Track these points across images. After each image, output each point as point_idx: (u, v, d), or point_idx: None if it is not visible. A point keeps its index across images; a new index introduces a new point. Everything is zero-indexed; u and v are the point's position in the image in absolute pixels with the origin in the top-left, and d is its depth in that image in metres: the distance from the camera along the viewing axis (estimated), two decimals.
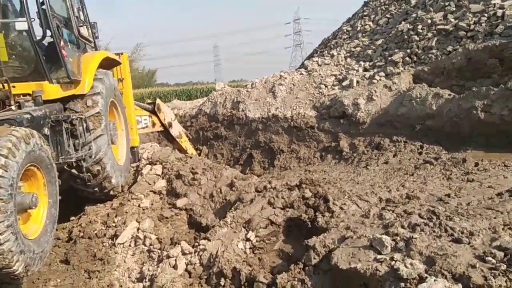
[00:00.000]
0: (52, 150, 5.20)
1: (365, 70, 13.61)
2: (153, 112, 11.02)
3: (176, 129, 11.99)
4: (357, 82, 12.81)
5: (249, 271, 3.98)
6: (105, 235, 5.67)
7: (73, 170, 5.92)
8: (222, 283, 4.08)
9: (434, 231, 3.45)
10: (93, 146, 5.89)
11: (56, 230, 6.24)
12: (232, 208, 5.31)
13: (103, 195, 6.49)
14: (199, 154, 13.84)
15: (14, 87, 5.31)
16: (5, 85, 5.11)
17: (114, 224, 5.83)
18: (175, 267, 4.58)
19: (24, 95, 5.33)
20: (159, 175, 6.91)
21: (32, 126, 4.79)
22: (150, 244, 5.31)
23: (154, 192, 6.48)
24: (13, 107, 5.03)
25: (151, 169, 7.04)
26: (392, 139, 10.55)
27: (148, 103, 11.21)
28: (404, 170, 8.51)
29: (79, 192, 6.38)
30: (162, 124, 11.31)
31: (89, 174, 6.01)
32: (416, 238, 3.29)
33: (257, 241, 4.56)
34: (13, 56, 5.29)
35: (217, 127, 15.70)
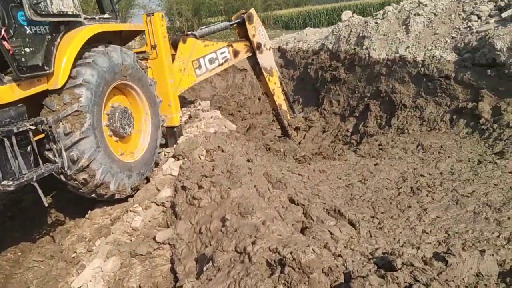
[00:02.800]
0: None
1: None
2: (242, 24, 9.03)
3: (267, 60, 9.63)
4: None
5: None
6: (78, 262, 4.73)
7: (61, 177, 5.04)
8: None
9: None
10: (72, 152, 4.83)
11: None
12: (204, 268, 3.68)
13: (107, 199, 5.54)
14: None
15: None
16: None
17: (94, 248, 4.83)
18: None
19: None
20: (174, 176, 5.56)
21: None
22: None
23: (157, 204, 5.20)
24: None
25: (170, 166, 5.73)
26: None
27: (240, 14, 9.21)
28: None
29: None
30: (250, 43, 9.10)
31: (76, 182, 5.06)
32: None
33: None
34: None
35: (337, 67, 13.49)
